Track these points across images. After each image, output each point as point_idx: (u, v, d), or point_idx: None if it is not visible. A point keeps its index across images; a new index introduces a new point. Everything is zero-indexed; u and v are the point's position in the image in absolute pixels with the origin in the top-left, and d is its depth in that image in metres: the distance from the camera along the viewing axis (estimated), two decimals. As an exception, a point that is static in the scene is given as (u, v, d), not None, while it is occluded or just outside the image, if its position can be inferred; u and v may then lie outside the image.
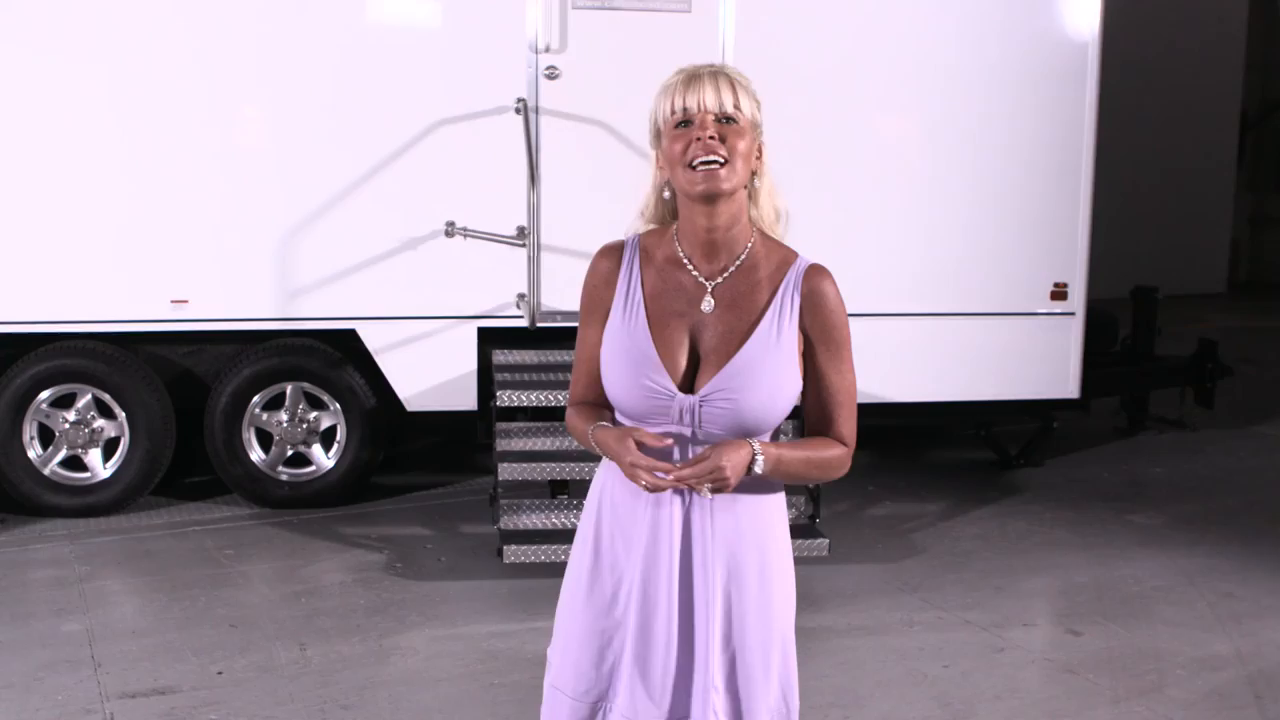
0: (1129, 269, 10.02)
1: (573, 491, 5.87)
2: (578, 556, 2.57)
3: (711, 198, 2.35)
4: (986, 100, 6.61)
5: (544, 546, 5.45)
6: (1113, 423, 8.46)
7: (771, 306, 2.39)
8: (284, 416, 6.42)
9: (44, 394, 6.24)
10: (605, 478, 2.52)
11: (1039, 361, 6.79)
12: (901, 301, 6.61)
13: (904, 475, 7.39)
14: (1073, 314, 6.78)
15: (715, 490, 2.34)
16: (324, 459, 6.49)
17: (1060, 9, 6.66)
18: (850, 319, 7.25)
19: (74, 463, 6.36)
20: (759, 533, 2.47)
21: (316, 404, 6.46)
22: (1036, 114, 6.66)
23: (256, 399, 6.38)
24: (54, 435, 6.31)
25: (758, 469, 2.35)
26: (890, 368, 6.59)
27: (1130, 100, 11.83)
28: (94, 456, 6.34)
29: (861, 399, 6.70)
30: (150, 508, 6.50)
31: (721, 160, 2.32)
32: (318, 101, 6.18)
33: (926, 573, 5.77)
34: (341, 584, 5.55)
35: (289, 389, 6.41)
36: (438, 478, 7.16)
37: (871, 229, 6.56)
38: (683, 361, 2.40)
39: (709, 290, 2.41)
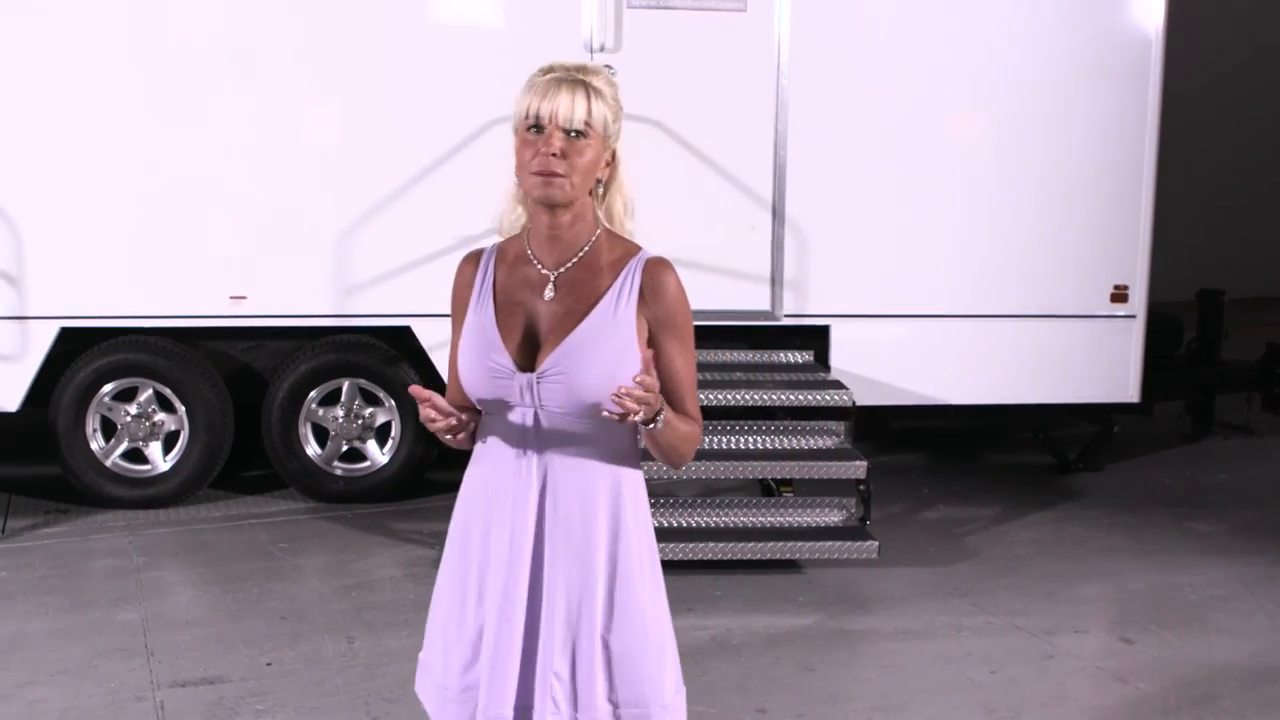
0: (1198, 271, 9.83)
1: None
2: (446, 554, 2.63)
3: (548, 204, 2.43)
4: (1046, 100, 6.53)
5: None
6: (1176, 428, 8.32)
7: (610, 291, 2.46)
8: (340, 412, 6.50)
9: (106, 387, 6.36)
10: (473, 471, 2.59)
11: (1099, 365, 6.69)
12: (960, 303, 6.56)
13: (959, 478, 7.32)
14: (1133, 317, 6.67)
15: (620, 409, 2.30)
16: (379, 455, 6.56)
17: (1122, 8, 6.55)
18: (908, 320, 7.15)
19: (134, 455, 6.48)
20: (612, 519, 2.49)
21: (372, 400, 6.53)
22: (1097, 114, 6.56)
23: (313, 394, 6.46)
24: (116, 428, 6.43)
25: (660, 423, 2.39)
26: (949, 369, 6.57)
27: (1200, 98, 11.64)
28: (154, 449, 6.46)
29: (921, 400, 6.71)
30: (208, 500, 6.61)
31: (560, 174, 2.39)
32: (375, 101, 6.25)
33: (978, 577, 5.71)
34: (392, 579, 5.60)
35: (345, 385, 6.49)
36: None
37: (931, 230, 6.51)
38: (523, 343, 2.47)
39: (551, 280, 2.48)
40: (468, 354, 2.50)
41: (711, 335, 6.54)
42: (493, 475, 2.52)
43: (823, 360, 6.50)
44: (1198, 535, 6.36)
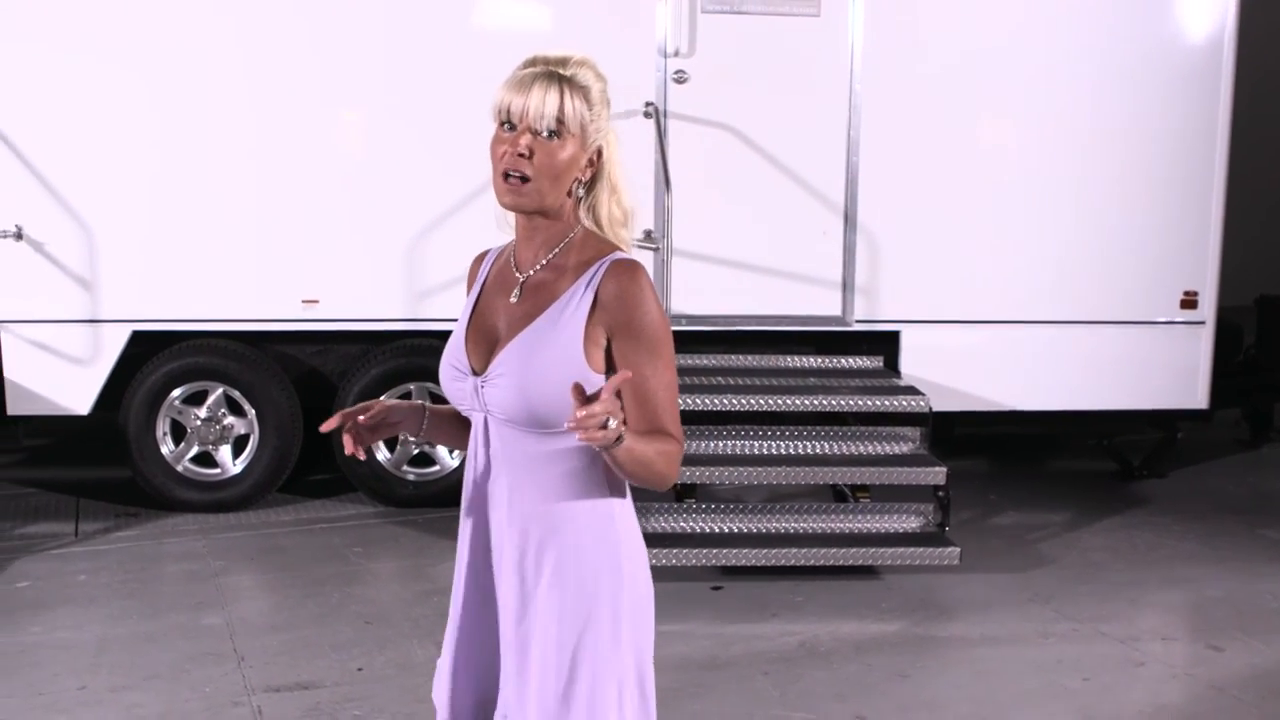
0: (1258, 276, 9.72)
1: (700, 495, 5.88)
2: (456, 567, 2.55)
3: (514, 210, 2.34)
4: (1116, 105, 6.51)
5: (672, 550, 5.46)
6: (1233, 434, 8.29)
7: (564, 295, 2.32)
8: (409, 416, 6.48)
9: (176, 391, 6.36)
10: (466, 485, 2.48)
11: (1168, 371, 6.68)
12: (1031, 309, 6.54)
13: (1024, 484, 7.30)
14: (1203, 323, 6.66)
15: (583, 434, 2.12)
16: (448, 459, 6.54)
17: (1192, 12, 6.54)
18: (978, 325, 7.08)
19: (203, 459, 6.48)
20: (556, 547, 2.35)
21: (441, 404, 6.51)
22: (1168, 119, 6.55)
23: (383, 399, 6.44)
24: (184, 432, 6.43)
25: (623, 433, 2.16)
26: (1019, 375, 6.57)
27: (1258, 99, 11.53)
28: (224, 453, 6.46)
29: (990, 406, 6.65)
30: (277, 504, 6.61)
31: (524, 176, 2.28)
32: (448, 107, 6.24)
33: (1057, 583, 5.69)
34: (470, 583, 5.59)
35: (413, 389, 6.48)
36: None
37: (1001, 236, 6.51)
38: (485, 346, 2.38)
39: (520, 281, 2.38)
40: (444, 356, 2.44)
41: (778, 340, 6.55)
42: (468, 480, 2.43)
43: (891, 365, 6.49)
44: (1271, 542, 6.33)
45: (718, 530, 5.67)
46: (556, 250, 2.37)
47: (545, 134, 2.27)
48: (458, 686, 2.50)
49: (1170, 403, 6.74)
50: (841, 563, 5.57)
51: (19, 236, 6.08)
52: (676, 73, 6.20)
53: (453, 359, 2.41)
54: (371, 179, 6.27)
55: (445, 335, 6.66)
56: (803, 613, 5.31)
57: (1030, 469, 7.75)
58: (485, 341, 2.38)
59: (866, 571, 5.73)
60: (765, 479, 5.85)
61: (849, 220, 6.37)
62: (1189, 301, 6.63)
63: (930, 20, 6.37)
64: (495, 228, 2.48)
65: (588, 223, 2.38)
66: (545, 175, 2.28)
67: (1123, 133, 6.53)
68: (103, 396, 6.26)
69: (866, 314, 6.44)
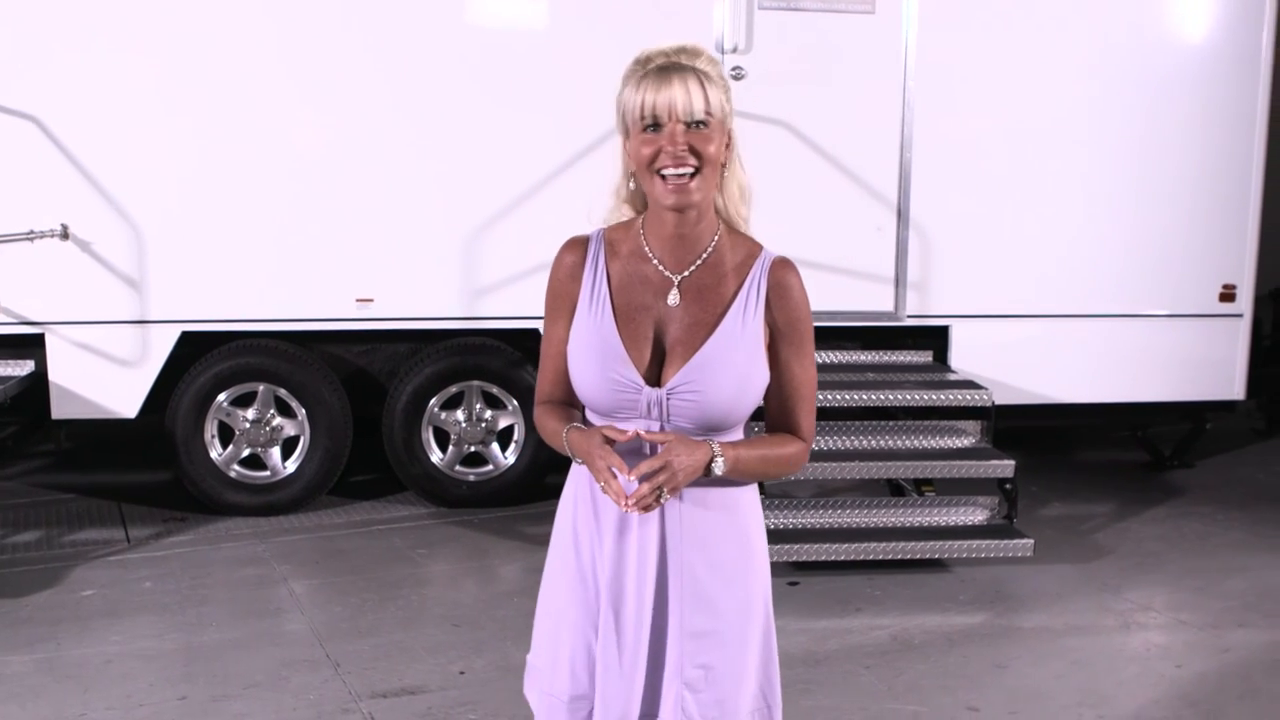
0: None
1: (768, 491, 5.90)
2: (558, 560, 2.52)
3: (681, 209, 2.31)
4: (1156, 100, 6.60)
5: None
6: (1249, 424, 8.45)
7: (738, 299, 2.34)
8: (461, 416, 6.43)
9: (224, 394, 6.25)
10: (580, 477, 2.47)
11: (1207, 363, 6.79)
12: (1077, 303, 6.62)
13: (1061, 476, 7.40)
14: (1240, 315, 6.78)
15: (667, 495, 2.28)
16: (501, 458, 6.49)
17: (1231, 9, 6.64)
18: (1026, 319, 7.15)
19: (250, 460, 6.37)
20: (737, 526, 2.44)
21: (493, 403, 6.46)
22: (1208, 114, 6.64)
23: (435, 399, 6.39)
24: (232, 434, 6.31)
25: (717, 469, 2.31)
26: (1065, 368, 6.64)
27: None
28: (274, 455, 6.35)
29: (1037, 399, 6.68)
30: (328, 506, 6.52)
31: (692, 170, 2.27)
32: (502, 103, 6.18)
33: (1121, 573, 5.77)
34: (545, 583, 5.54)
35: (467, 389, 6.41)
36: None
37: (1050, 231, 6.57)
38: (648, 354, 2.35)
39: (675, 284, 2.35)
40: (585, 362, 2.37)
41: (823, 335, 6.56)
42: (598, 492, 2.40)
43: (940, 360, 6.54)
44: (1315, 530, 6.48)
45: (790, 526, 5.69)
46: (708, 251, 2.37)
47: (695, 125, 2.25)
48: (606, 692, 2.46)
49: (1208, 394, 6.86)
50: (917, 556, 5.61)
51: (65, 235, 5.94)
52: (734, 69, 6.19)
53: (613, 372, 2.34)
54: (427, 177, 6.19)
55: (501, 334, 6.59)
56: (885, 607, 5.34)
57: (1062, 460, 7.84)
58: (647, 348, 2.35)
59: (936, 564, 5.78)
60: (834, 474, 5.86)
61: (902, 216, 6.41)
62: (1227, 295, 6.74)
63: (983, 18, 6.41)
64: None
65: (720, 201, 2.38)
66: (707, 163, 2.27)
67: (1167, 129, 6.61)
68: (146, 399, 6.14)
69: (918, 309, 6.48)
